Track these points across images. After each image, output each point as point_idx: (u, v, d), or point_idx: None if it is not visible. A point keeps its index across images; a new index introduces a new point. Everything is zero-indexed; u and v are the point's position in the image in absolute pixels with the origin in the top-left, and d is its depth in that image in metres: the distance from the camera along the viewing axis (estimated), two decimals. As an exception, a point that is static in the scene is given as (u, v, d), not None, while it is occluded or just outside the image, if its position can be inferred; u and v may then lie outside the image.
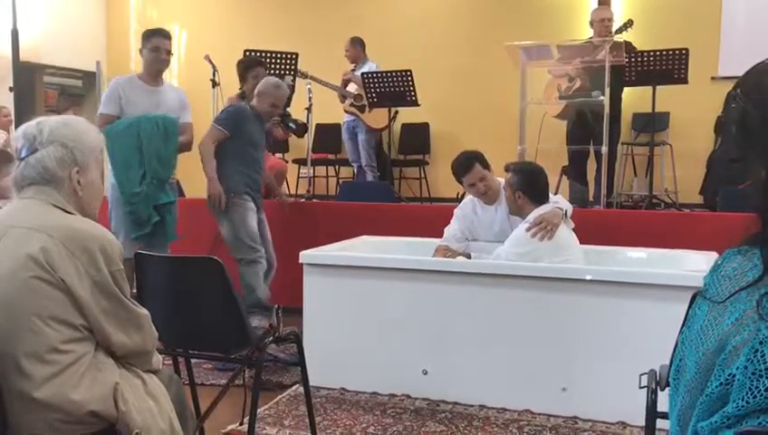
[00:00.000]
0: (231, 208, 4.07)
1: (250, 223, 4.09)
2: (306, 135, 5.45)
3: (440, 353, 3.32)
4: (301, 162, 6.88)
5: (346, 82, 6.69)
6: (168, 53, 4.12)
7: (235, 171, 4.10)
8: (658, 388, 1.75)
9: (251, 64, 5.03)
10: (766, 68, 1.15)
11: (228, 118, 4.12)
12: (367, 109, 6.40)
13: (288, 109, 5.21)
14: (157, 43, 4.06)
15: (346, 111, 6.73)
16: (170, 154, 4.04)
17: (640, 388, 1.81)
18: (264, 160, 4.40)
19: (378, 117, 6.45)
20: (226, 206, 4.06)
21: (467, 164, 3.75)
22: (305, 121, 5.32)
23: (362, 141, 6.67)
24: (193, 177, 4.26)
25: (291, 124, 4.94)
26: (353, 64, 6.75)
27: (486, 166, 3.78)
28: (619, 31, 5.65)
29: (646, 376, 1.82)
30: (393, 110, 6.19)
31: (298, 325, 3.08)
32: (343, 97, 6.70)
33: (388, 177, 6.26)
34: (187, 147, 4.18)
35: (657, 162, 6.14)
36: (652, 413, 1.73)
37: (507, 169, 3.55)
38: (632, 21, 5.69)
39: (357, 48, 6.74)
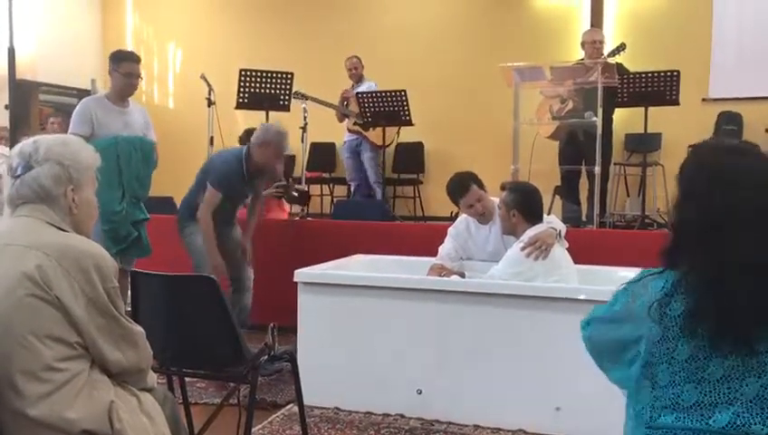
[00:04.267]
0: (185, 234, 4.14)
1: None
2: (304, 153, 5.49)
3: (435, 373, 3.32)
4: (295, 180, 6.90)
5: (345, 99, 6.70)
6: (139, 77, 4.17)
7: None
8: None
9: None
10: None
11: (222, 180, 4.03)
12: (370, 127, 6.36)
13: (291, 179, 5.28)
14: (129, 68, 4.08)
15: (349, 130, 6.72)
16: (149, 176, 4.18)
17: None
18: (238, 207, 4.35)
19: (381, 133, 6.46)
20: (184, 232, 4.15)
21: (465, 186, 3.78)
22: (306, 189, 5.39)
23: (368, 159, 6.62)
24: (184, 193, 4.32)
25: (293, 193, 5.02)
26: (354, 83, 6.74)
27: (481, 186, 3.81)
28: (612, 54, 5.71)
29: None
30: (395, 127, 6.26)
31: (292, 344, 3.08)
32: (343, 116, 6.70)
33: (383, 195, 6.27)
34: (155, 165, 4.29)
35: (650, 182, 6.18)
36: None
37: (503, 187, 3.58)
38: (625, 44, 5.75)
39: (362, 66, 6.76)
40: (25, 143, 1.79)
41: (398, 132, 6.58)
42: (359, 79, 6.76)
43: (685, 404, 1.34)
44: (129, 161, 4.02)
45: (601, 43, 5.67)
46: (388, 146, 6.58)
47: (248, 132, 5.18)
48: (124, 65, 4.08)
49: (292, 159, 6.83)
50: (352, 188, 6.94)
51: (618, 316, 1.49)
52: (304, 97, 6.22)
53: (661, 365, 1.36)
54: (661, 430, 1.36)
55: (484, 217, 3.82)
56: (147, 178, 4.17)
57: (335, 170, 7.66)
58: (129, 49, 5.94)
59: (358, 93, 6.21)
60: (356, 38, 7.63)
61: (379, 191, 6.62)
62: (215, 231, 4.03)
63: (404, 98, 5.88)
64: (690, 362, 1.33)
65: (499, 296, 3.25)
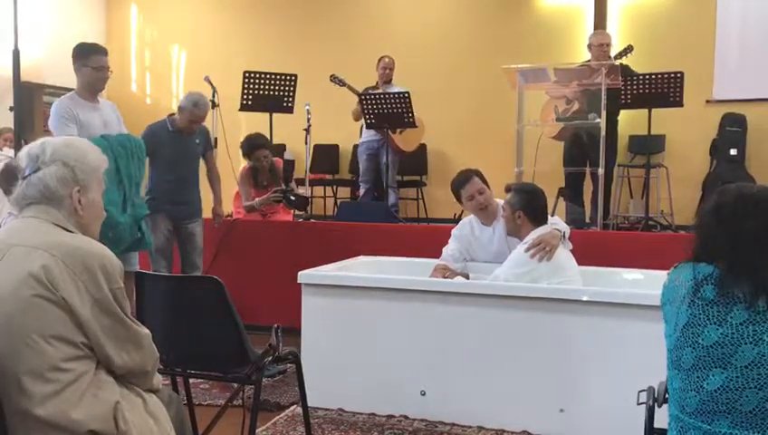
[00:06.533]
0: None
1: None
2: (307, 155, 5.51)
3: (438, 374, 3.32)
4: (298, 182, 6.90)
5: None
6: (109, 69, 4.03)
7: (149, 189, 4.51)
8: (656, 404, 1.77)
9: (254, 147, 5.24)
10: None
11: (145, 134, 4.48)
12: (398, 129, 6.23)
13: (291, 184, 5.34)
14: (100, 61, 3.94)
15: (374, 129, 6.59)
16: (141, 176, 4.14)
17: (638, 404, 1.82)
18: (192, 173, 4.62)
19: (408, 138, 6.39)
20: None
21: (467, 176, 3.80)
22: (306, 195, 5.47)
23: (391, 162, 6.33)
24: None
25: (292, 198, 5.06)
26: (383, 83, 6.58)
27: (485, 182, 3.82)
28: (619, 56, 5.70)
29: (644, 393, 1.83)
30: (422, 133, 6.32)
31: (296, 346, 3.08)
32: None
33: (386, 197, 6.25)
34: None
35: (654, 184, 6.17)
36: (649, 430, 1.75)
37: (508, 189, 3.59)
38: (632, 46, 5.73)
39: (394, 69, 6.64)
40: (33, 145, 1.81)
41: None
42: (389, 80, 6.58)
43: (709, 387, 1.43)
44: (126, 163, 3.89)
45: (609, 45, 5.66)
46: (412, 152, 6.53)
47: (248, 138, 5.30)
48: (94, 58, 3.93)
49: (293, 162, 6.78)
50: (361, 191, 6.72)
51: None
52: (341, 83, 6.21)
53: (686, 349, 1.47)
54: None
55: (486, 213, 3.82)
56: (140, 180, 4.07)
57: (338, 172, 7.66)
58: (134, 52, 5.94)
59: (361, 94, 6.19)
60: (359, 40, 7.65)
61: (394, 195, 6.52)
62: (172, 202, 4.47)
63: (407, 100, 5.88)
64: (716, 347, 1.43)
65: (503, 298, 3.25)
